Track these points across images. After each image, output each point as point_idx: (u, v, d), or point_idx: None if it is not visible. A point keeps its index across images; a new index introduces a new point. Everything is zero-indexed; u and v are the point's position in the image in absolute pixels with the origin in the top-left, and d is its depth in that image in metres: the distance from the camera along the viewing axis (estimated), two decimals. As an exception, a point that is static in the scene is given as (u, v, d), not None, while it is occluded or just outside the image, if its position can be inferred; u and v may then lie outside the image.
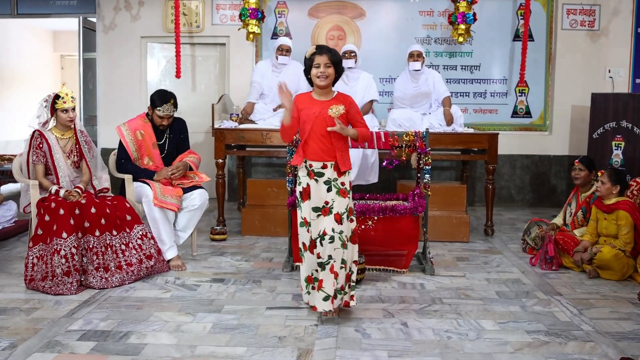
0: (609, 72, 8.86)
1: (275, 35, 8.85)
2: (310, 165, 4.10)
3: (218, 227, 6.60)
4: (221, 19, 9.06)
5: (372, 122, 6.88)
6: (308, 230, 4.12)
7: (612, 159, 7.40)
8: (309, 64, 4.12)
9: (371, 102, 7.09)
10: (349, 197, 4.13)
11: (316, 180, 4.08)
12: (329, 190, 4.07)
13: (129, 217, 5.09)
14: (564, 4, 8.79)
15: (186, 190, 5.51)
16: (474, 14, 7.88)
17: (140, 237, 5.08)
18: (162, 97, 5.55)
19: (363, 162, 6.73)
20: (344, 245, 4.03)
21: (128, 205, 5.16)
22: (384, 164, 5.40)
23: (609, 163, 7.38)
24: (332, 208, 4.05)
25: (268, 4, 8.95)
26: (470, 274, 5.31)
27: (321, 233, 4.04)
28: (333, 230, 4.02)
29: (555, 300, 4.59)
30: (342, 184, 4.10)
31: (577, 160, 6.04)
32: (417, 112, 7.02)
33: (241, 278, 5.12)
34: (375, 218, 5.16)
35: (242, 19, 7.94)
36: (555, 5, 8.83)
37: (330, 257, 4.01)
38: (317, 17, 8.97)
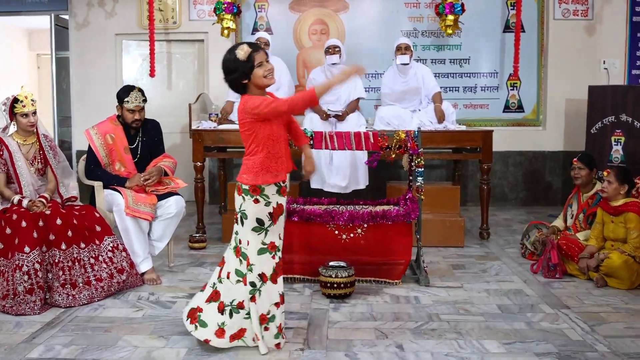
0: (604, 63, 8.52)
1: (255, 31, 8.45)
2: (284, 181, 3.64)
3: (197, 235, 6.20)
4: (199, 14, 8.66)
5: (359, 121, 6.50)
6: (274, 257, 3.61)
7: (612, 154, 7.06)
8: (248, 66, 3.49)
9: (357, 99, 6.71)
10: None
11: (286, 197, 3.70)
12: None
13: (98, 228, 4.70)
14: (556, -7, 8.47)
15: (161, 197, 5.11)
16: (462, 4, 7.52)
17: (111, 249, 4.69)
18: (126, 89, 5.19)
19: (352, 165, 6.35)
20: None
21: (97, 215, 4.76)
22: (366, 161, 5.01)
23: (608, 159, 7.04)
24: None
25: (247, -2, 8.56)
26: (468, 284, 4.94)
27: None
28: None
29: (563, 314, 4.22)
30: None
31: (575, 159, 5.69)
32: (406, 109, 6.63)
33: (221, 293, 4.72)
34: (365, 226, 4.77)
35: (217, 13, 7.55)
36: (546, -6, 8.49)
37: None
38: (298, 11, 8.58)
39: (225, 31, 7.66)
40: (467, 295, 4.64)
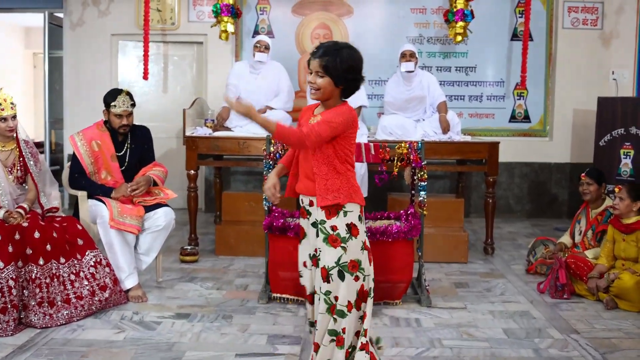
0: (613, 73, 8.26)
1: (256, 34, 8.18)
2: (302, 201, 3.26)
3: (189, 247, 5.92)
4: (198, 16, 8.40)
5: (361, 130, 6.21)
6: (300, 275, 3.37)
7: (621, 168, 6.78)
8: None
9: (360, 108, 6.43)
10: (344, 247, 3.09)
11: (308, 220, 3.24)
12: (317, 235, 3.16)
13: (80, 242, 4.43)
14: (565, 1, 8.20)
15: (149, 208, 4.84)
16: (472, 11, 7.26)
17: (93, 264, 4.42)
18: (113, 92, 4.93)
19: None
20: (331, 311, 3.14)
21: (80, 228, 4.49)
22: (376, 180, 4.72)
23: (617, 173, 6.77)
24: (319, 259, 3.17)
25: (248, 1, 8.29)
26: (472, 304, 4.67)
27: (312, 290, 3.27)
28: (320, 288, 3.17)
29: (573, 340, 3.95)
30: (334, 228, 3.10)
31: (583, 174, 5.44)
32: (409, 119, 6.36)
33: (210, 312, 4.44)
34: (364, 243, 4.50)
35: (215, 15, 7.30)
36: (556, 2, 8.23)
37: (314, 322, 3.24)
38: (301, 14, 8.32)
39: (224, 34, 7.40)
40: (470, 318, 4.37)
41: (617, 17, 8.15)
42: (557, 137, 8.33)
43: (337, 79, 3.08)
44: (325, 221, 3.11)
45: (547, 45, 8.28)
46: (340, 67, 3.06)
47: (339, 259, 3.09)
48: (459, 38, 7.36)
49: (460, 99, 8.30)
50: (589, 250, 5.17)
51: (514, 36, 8.24)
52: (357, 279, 3.10)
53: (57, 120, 8.80)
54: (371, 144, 4.65)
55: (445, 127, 6.20)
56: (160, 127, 8.36)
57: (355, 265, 3.11)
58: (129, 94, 4.94)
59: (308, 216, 3.22)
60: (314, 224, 3.17)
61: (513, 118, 8.37)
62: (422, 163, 4.63)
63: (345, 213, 3.11)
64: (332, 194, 3.09)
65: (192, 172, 6.10)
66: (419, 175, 4.67)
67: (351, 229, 3.11)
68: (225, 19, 7.29)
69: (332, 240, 3.09)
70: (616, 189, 4.89)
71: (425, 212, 4.70)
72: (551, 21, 8.26)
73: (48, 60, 8.66)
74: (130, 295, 4.66)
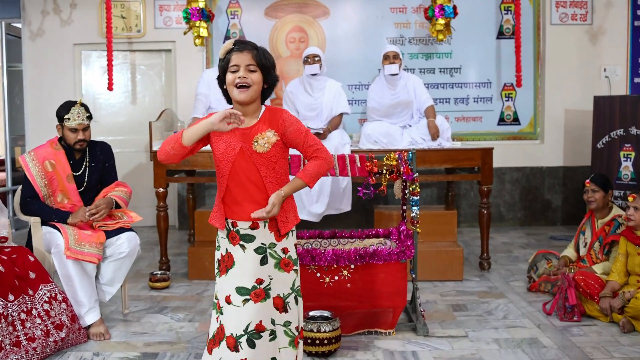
0: (605, 71, 7.87)
1: (227, 39, 7.69)
2: (234, 225, 2.85)
3: (159, 273, 5.40)
4: (165, 22, 7.90)
5: (342, 139, 5.75)
6: (217, 319, 2.83)
7: (621, 171, 6.38)
8: (223, 67, 2.83)
9: (340, 115, 5.96)
10: (296, 270, 2.89)
11: (242, 247, 2.82)
12: (263, 262, 2.81)
13: (32, 275, 3.92)
14: (553, -5, 7.81)
15: (111, 234, 4.32)
16: (454, 7, 6.82)
17: (47, 300, 3.90)
18: (66, 104, 4.40)
19: (334, 188, 5.61)
20: (294, 344, 2.84)
21: (32, 259, 3.98)
22: (360, 193, 4.25)
23: (617, 177, 6.36)
24: (270, 289, 2.79)
25: (218, 3, 7.81)
26: (474, 331, 4.19)
27: (252, 328, 2.75)
28: (273, 322, 2.79)
29: (592, 373, 3.51)
30: (285, 250, 2.85)
31: (588, 180, 4.99)
32: (395, 125, 5.89)
33: (180, 350, 3.93)
34: (352, 267, 4.00)
35: (185, 21, 6.81)
36: (543, -2, 7.83)
37: None
38: (275, 17, 7.85)
39: (197, 40, 6.93)
40: (474, 349, 3.89)
41: (606, 11, 7.77)
42: (548, 139, 7.91)
43: (267, 74, 2.81)
44: (275, 244, 2.83)
45: (534, 43, 7.88)
46: (270, 61, 2.85)
47: (293, 284, 2.88)
48: (441, 36, 6.95)
49: (446, 102, 7.87)
50: (597, 265, 4.72)
51: (500, 34, 7.84)
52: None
53: (18, 137, 8.25)
54: (356, 155, 4.19)
55: (435, 133, 5.74)
56: (128, 141, 7.89)
57: (300, 286, 2.96)
58: (84, 105, 4.43)
59: (242, 242, 2.82)
60: (259, 250, 2.81)
61: (502, 121, 7.95)
62: (414, 175, 4.17)
63: (292, 232, 2.89)
64: (291, 215, 2.87)
65: (161, 190, 5.60)
66: (410, 188, 4.20)
67: (296, 248, 2.96)
68: (197, 23, 6.83)
69: (285, 264, 2.83)
70: (630, 198, 4.44)
71: (418, 229, 4.23)
72: (538, 17, 7.86)
73: (7, 74, 8.11)
74: (91, 333, 4.14)
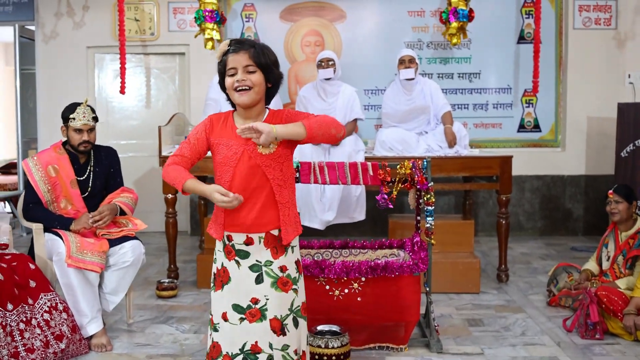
0: (629, 77, 7.63)
1: (242, 42, 7.57)
2: (230, 238, 2.69)
3: (166, 281, 5.25)
4: (179, 25, 7.79)
5: (356, 146, 5.58)
6: (210, 335, 2.73)
7: (645, 181, 6.16)
8: (221, 71, 2.70)
9: (355, 121, 5.79)
10: (295, 289, 2.68)
11: (237, 263, 2.67)
12: (259, 280, 2.64)
13: (33, 284, 3.80)
14: (576, -1, 7.60)
15: (115, 242, 4.19)
16: (471, 11, 6.63)
17: (47, 309, 3.79)
18: (71, 105, 4.30)
19: (345, 196, 5.45)
20: None
21: (32, 267, 3.87)
22: (378, 204, 4.06)
23: (641, 187, 6.15)
24: (266, 310, 2.62)
25: (233, 6, 7.68)
26: (490, 348, 4.00)
27: (248, 348, 2.61)
28: (270, 345, 2.61)
29: (615, 397, 3.31)
30: (283, 269, 2.66)
31: (611, 191, 4.78)
32: (411, 132, 5.72)
33: (183, 364, 3.80)
34: (363, 279, 3.83)
35: (198, 23, 6.68)
36: (565, 1, 7.61)
37: None
38: (290, 20, 7.71)
39: (209, 43, 6.81)
40: (490, 367, 3.72)
41: (633, 15, 7.53)
42: (570, 147, 7.69)
43: (268, 73, 2.63)
44: (271, 262, 2.64)
45: (556, 48, 7.67)
46: (270, 58, 2.66)
47: (292, 304, 2.65)
48: (455, 40, 6.75)
49: (464, 107, 7.68)
50: (620, 280, 4.51)
51: (521, 39, 7.63)
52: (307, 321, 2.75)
53: (30, 140, 8.17)
54: (369, 164, 4.02)
55: (452, 140, 5.56)
56: (141, 145, 7.80)
57: (306, 307, 2.76)
58: (89, 106, 4.32)
59: (237, 257, 2.66)
60: (254, 267, 2.64)
61: (522, 127, 7.74)
62: (429, 185, 3.99)
63: (292, 249, 2.68)
64: (292, 226, 2.68)
65: (170, 196, 5.47)
66: (425, 198, 4.02)
67: (298, 266, 2.74)
68: (210, 26, 6.71)
69: (282, 283, 2.63)
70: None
71: (433, 241, 4.05)
72: (560, 21, 7.65)
73: (20, 76, 8.03)
74: (92, 344, 4.00)
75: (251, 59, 2.59)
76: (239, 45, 2.61)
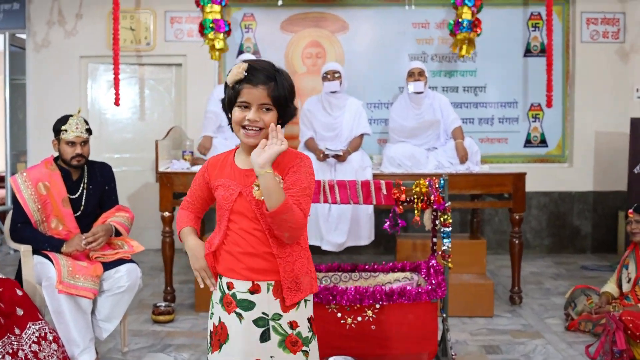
0: (638, 91, 7.44)
1: (241, 54, 7.33)
2: (230, 286, 2.32)
3: (162, 305, 4.96)
4: (176, 35, 7.54)
5: (363, 162, 5.33)
6: None
7: (660, 199, 5.93)
8: (230, 98, 2.31)
9: (361, 136, 5.56)
10: (306, 351, 2.30)
11: (239, 317, 2.29)
12: (264, 337, 2.27)
13: (20, 312, 3.52)
14: (583, 12, 7.39)
15: (109, 265, 3.91)
16: (476, 21, 6.39)
17: (36, 340, 3.50)
18: (63, 117, 4.06)
19: (355, 216, 5.19)
20: None
21: (20, 293, 3.58)
22: (385, 226, 3.82)
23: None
24: None
25: (233, 15, 7.44)
26: (512, 380, 3.76)
27: None
28: None
29: None
30: (294, 325, 2.30)
31: (631, 211, 4.55)
32: (420, 147, 5.48)
33: (183, 399, 3.52)
34: (377, 306, 3.57)
35: (205, 32, 6.39)
36: (572, 14, 7.42)
37: None
38: (291, 31, 7.48)
39: (217, 53, 6.54)
40: (513, 402, 3.46)
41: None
42: (577, 162, 7.47)
43: (283, 111, 2.30)
44: (280, 315, 2.28)
45: (563, 61, 7.47)
46: (288, 92, 2.30)
47: None
48: (463, 51, 6.52)
49: (469, 122, 7.45)
50: (644, 303, 4.28)
51: (527, 52, 7.43)
52: None
53: (20, 152, 7.89)
54: (382, 182, 3.77)
55: (463, 156, 5.32)
56: (135, 158, 7.54)
57: (318, 330, 2.42)
58: (82, 117, 4.06)
59: (239, 309, 2.29)
60: (260, 321, 2.27)
61: (528, 142, 7.52)
62: (446, 205, 3.74)
63: (305, 302, 2.32)
64: (305, 280, 2.32)
65: (167, 214, 5.19)
66: (441, 219, 3.77)
67: (312, 324, 2.36)
68: (220, 36, 6.44)
69: (291, 342, 2.27)
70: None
71: (450, 264, 3.80)
72: (567, 34, 7.46)
73: (10, 87, 7.77)
74: (85, 376, 3.73)
75: (269, 97, 2.24)
76: (256, 77, 2.24)
